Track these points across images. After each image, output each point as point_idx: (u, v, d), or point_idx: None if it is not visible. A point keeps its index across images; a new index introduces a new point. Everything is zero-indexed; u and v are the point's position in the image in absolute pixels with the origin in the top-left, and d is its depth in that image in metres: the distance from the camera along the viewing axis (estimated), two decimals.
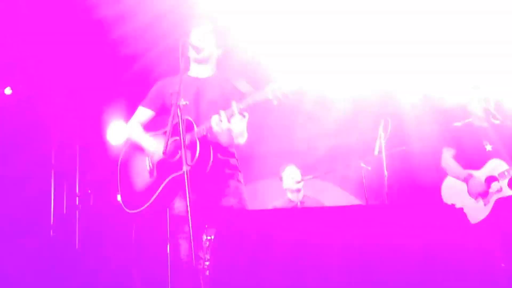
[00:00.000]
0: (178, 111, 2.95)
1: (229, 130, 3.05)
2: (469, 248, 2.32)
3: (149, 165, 3.31)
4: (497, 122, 4.77)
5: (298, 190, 5.54)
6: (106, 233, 6.42)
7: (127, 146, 3.52)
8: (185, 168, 2.84)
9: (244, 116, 3.08)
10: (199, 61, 3.44)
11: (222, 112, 3.02)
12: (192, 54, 3.37)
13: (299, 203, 5.45)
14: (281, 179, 5.70)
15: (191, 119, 3.16)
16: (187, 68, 3.49)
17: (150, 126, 3.51)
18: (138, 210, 3.27)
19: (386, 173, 4.58)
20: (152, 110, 3.49)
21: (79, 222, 6.39)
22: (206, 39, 3.42)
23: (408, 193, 6.26)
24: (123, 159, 3.51)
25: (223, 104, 3.14)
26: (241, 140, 3.17)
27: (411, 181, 6.33)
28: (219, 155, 3.25)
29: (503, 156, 4.60)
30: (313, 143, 7.01)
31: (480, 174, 4.58)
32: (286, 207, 5.47)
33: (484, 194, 4.51)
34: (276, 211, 3.59)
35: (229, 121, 3.02)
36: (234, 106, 3.00)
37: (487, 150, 4.66)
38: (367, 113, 6.65)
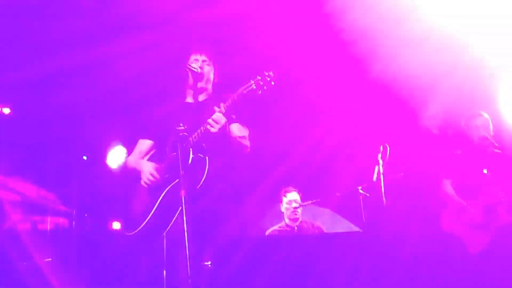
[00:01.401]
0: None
1: (224, 125, 3.13)
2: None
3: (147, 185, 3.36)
4: (497, 151, 4.80)
5: (296, 215, 5.52)
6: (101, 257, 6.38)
7: (122, 171, 3.56)
8: (183, 193, 2.88)
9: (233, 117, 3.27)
10: (197, 87, 3.52)
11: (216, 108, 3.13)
12: (190, 79, 3.47)
13: (296, 228, 5.43)
14: (280, 203, 5.69)
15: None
16: (184, 95, 3.61)
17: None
18: (136, 231, 3.29)
19: (384, 199, 4.58)
20: (151, 139, 3.57)
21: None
22: (204, 64, 3.56)
23: (406, 220, 6.24)
24: (118, 184, 3.55)
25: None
26: (245, 142, 3.35)
27: (409, 208, 6.32)
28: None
29: (499, 182, 4.62)
30: (311, 168, 7.01)
31: (477, 204, 4.61)
32: (284, 232, 5.45)
33: (483, 225, 4.51)
34: (273, 238, 3.57)
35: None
36: (222, 106, 3.13)
37: (485, 178, 4.68)
38: (366, 139, 6.68)
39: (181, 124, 3.09)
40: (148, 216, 3.25)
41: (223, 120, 3.11)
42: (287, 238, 3.39)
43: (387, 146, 4.65)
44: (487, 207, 4.55)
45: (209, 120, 3.12)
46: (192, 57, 3.60)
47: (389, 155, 4.62)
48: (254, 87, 3.04)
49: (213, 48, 3.68)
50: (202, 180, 3.15)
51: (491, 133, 4.82)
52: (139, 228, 3.29)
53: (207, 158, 3.18)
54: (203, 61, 3.57)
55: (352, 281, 2.20)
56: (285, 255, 2.31)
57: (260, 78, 3.05)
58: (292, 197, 5.59)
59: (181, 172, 2.94)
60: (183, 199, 2.86)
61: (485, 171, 4.71)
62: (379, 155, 4.73)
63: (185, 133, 3.10)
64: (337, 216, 6.59)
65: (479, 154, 4.84)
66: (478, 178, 4.72)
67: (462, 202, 4.67)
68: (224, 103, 3.13)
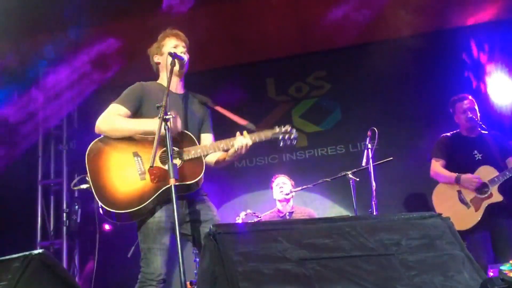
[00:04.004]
0: (166, 124, 3.00)
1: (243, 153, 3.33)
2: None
3: (140, 168, 3.21)
4: (484, 132, 4.85)
5: (288, 201, 5.55)
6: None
7: (104, 141, 3.30)
8: (172, 182, 2.88)
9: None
10: (180, 75, 3.50)
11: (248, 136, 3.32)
12: (176, 66, 3.36)
13: (287, 214, 5.46)
14: (271, 190, 5.71)
15: (193, 136, 3.34)
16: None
17: None
18: (127, 211, 3.10)
19: (374, 183, 4.60)
20: (128, 110, 3.35)
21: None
22: (185, 52, 3.52)
23: (396, 204, 6.29)
24: (98, 156, 3.27)
25: (197, 120, 3.53)
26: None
27: (399, 192, 6.37)
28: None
29: (492, 163, 4.68)
30: (302, 154, 7.04)
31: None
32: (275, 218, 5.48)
33: (478, 190, 4.60)
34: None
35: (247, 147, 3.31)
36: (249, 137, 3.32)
37: (476, 159, 4.74)
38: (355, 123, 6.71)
39: (169, 113, 3.05)
40: (146, 201, 3.15)
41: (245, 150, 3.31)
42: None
43: (375, 130, 4.66)
44: (482, 185, 4.62)
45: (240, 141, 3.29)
46: (173, 42, 3.52)
47: (377, 138, 4.63)
48: (280, 141, 3.37)
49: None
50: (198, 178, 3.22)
51: (478, 114, 4.90)
52: (134, 209, 3.17)
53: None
54: (184, 47, 3.52)
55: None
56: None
57: (287, 137, 3.37)
58: (280, 180, 5.65)
59: (170, 162, 2.94)
60: (172, 187, 2.87)
61: (476, 154, 4.77)
62: (367, 139, 4.75)
63: (172, 115, 3.06)
64: (328, 202, 6.62)
65: (468, 136, 4.91)
66: (469, 160, 4.78)
67: (453, 174, 4.74)
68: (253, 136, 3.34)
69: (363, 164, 4.74)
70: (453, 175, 4.74)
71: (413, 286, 2.16)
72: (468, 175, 4.66)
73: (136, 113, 3.39)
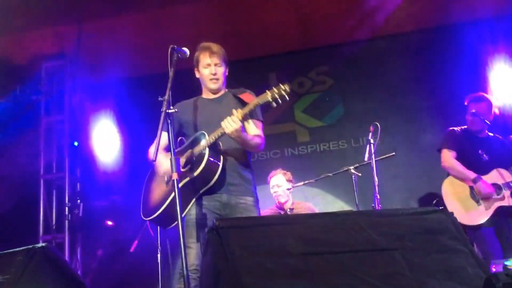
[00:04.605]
0: (169, 118, 3.01)
1: (240, 128, 3.24)
2: None
3: (168, 176, 3.41)
4: (491, 134, 4.85)
5: (286, 201, 5.53)
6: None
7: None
8: (174, 176, 2.88)
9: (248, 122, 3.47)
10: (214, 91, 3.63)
11: (234, 112, 3.22)
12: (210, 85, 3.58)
13: (288, 210, 5.44)
14: (270, 185, 5.68)
15: (205, 132, 3.35)
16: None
17: None
18: (151, 218, 3.47)
19: (376, 179, 4.60)
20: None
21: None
22: (217, 67, 3.58)
23: (399, 199, 6.29)
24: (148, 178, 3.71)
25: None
26: (259, 140, 3.47)
27: (402, 187, 6.37)
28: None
29: (501, 166, 4.68)
30: (304, 149, 7.04)
31: (487, 180, 4.64)
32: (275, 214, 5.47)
33: (488, 198, 4.57)
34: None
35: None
36: (237, 112, 3.21)
37: (483, 160, 4.72)
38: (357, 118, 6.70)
39: (172, 108, 3.05)
40: (163, 206, 3.39)
41: (239, 124, 3.20)
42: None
43: (378, 125, 4.66)
44: (494, 186, 4.62)
45: (226, 122, 3.21)
46: (203, 61, 3.59)
47: (379, 134, 4.63)
48: (270, 100, 3.13)
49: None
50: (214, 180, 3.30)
51: (492, 115, 4.86)
52: (155, 215, 3.43)
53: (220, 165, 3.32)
54: (215, 64, 3.57)
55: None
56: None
57: (276, 91, 3.12)
58: (274, 181, 5.58)
59: (172, 154, 2.94)
60: (175, 182, 2.87)
61: (483, 154, 4.77)
62: (370, 134, 4.74)
63: (175, 110, 3.06)
64: (330, 197, 6.62)
65: (475, 135, 4.89)
66: (476, 158, 4.77)
67: (472, 173, 4.67)
68: (241, 110, 3.22)
69: (366, 159, 4.74)
70: (472, 174, 4.65)
71: (416, 281, 2.15)
72: (485, 183, 4.59)
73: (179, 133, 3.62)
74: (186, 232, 3.29)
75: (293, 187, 5.46)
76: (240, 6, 6.33)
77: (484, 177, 4.64)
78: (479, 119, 4.77)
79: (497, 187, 4.62)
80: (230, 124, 3.19)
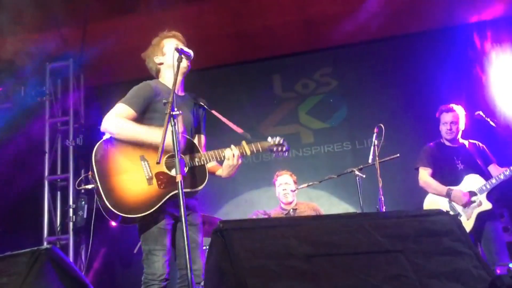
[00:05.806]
0: (173, 120, 2.98)
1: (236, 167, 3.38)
2: None
3: (148, 173, 3.19)
4: (464, 141, 4.92)
5: (287, 197, 5.52)
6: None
7: (111, 143, 3.26)
8: (178, 178, 2.86)
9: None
10: (183, 73, 3.47)
11: (235, 149, 3.36)
12: (183, 63, 3.29)
13: (291, 211, 5.44)
14: (278, 184, 5.68)
15: (195, 143, 3.36)
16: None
17: None
18: (137, 216, 3.11)
19: (380, 180, 4.59)
20: (136, 111, 3.30)
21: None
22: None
23: (403, 201, 6.27)
24: (105, 157, 3.22)
25: (195, 122, 3.52)
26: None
27: (406, 189, 6.35)
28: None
29: (475, 172, 4.80)
30: (308, 151, 7.04)
31: (461, 189, 4.77)
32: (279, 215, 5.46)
33: (466, 205, 4.70)
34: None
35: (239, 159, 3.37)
36: (246, 147, 3.39)
37: (459, 169, 4.79)
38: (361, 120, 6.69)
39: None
40: (155, 207, 3.18)
41: (239, 161, 3.37)
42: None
43: (382, 127, 4.65)
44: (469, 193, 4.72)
45: (231, 157, 3.34)
46: (173, 43, 3.45)
47: (384, 135, 4.62)
48: (273, 153, 3.46)
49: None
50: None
51: (463, 124, 4.98)
52: (144, 214, 3.18)
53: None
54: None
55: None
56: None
57: (280, 149, 3.46)
58: (283, 180, 5.58)
59: (177, 156, 2.93)
60: (179, 184, 2.85)
61: (459, 163, 4.83)
62: (374, 136, 4.74)
63: (179, 112, 3.01)
64: (334, 199, 6.61)
65: (449, 146, 5.01)
66: (452, 170, 4.88)
67: (444, 188, 4.82)
68: (244, 153, 3.39)
69: (370, 161, 4.73)
70: (444, 189, 4.82)
71: (420, 283, 2.15)
72: (458, 192, 4.74)
73: (143, 114, 3.35)
74: (150, 239, 3.21)
75: (297, 188, 5.46)
76: (244, 8, 6.34)
77: (459, 186, 4.79)
78: (449, 131, 4.93)
79: (472, 194, 4.73)
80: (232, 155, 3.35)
